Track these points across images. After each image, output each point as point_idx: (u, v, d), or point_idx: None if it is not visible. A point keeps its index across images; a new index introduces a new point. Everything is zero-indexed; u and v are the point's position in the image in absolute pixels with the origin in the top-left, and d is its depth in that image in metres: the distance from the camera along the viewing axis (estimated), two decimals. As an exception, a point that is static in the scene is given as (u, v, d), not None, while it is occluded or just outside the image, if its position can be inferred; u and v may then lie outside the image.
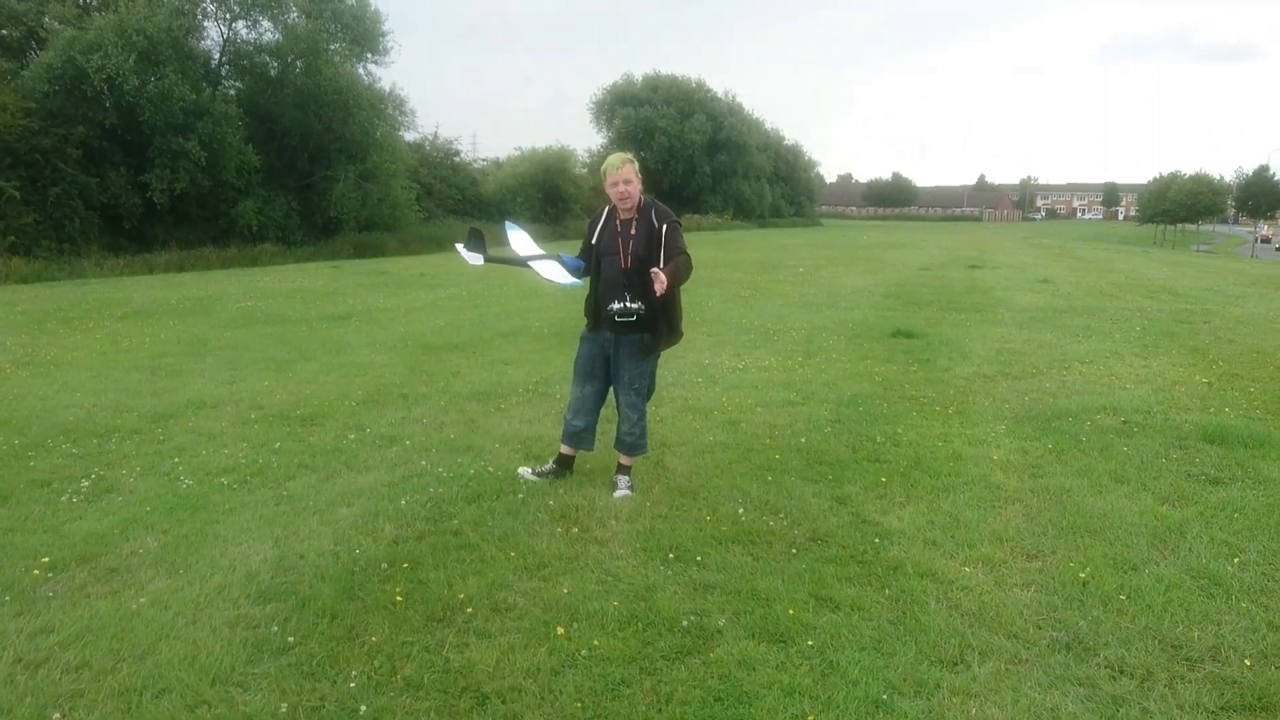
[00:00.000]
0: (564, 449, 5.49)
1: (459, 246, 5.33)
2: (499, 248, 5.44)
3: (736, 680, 3.23)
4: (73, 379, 8.64)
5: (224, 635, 3.54)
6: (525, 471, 5.48)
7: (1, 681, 3.20)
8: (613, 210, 5.17)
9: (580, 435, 5.40)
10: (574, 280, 5.17)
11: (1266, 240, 52.11)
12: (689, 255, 5.10)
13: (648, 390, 5.35)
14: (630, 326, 5.10)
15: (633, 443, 5.31)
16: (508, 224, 5.76)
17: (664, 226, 5.02)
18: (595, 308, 5.22)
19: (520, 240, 5.60)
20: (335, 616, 3.69)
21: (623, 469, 5.36)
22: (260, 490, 5.33)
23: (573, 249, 5.45)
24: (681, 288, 5.15)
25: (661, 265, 4.95)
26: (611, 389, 5.36)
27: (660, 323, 5.12)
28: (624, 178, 5.02)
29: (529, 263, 5.28)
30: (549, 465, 5.54)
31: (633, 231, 5.06)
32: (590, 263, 5.24)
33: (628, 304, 5.04)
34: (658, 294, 4.73)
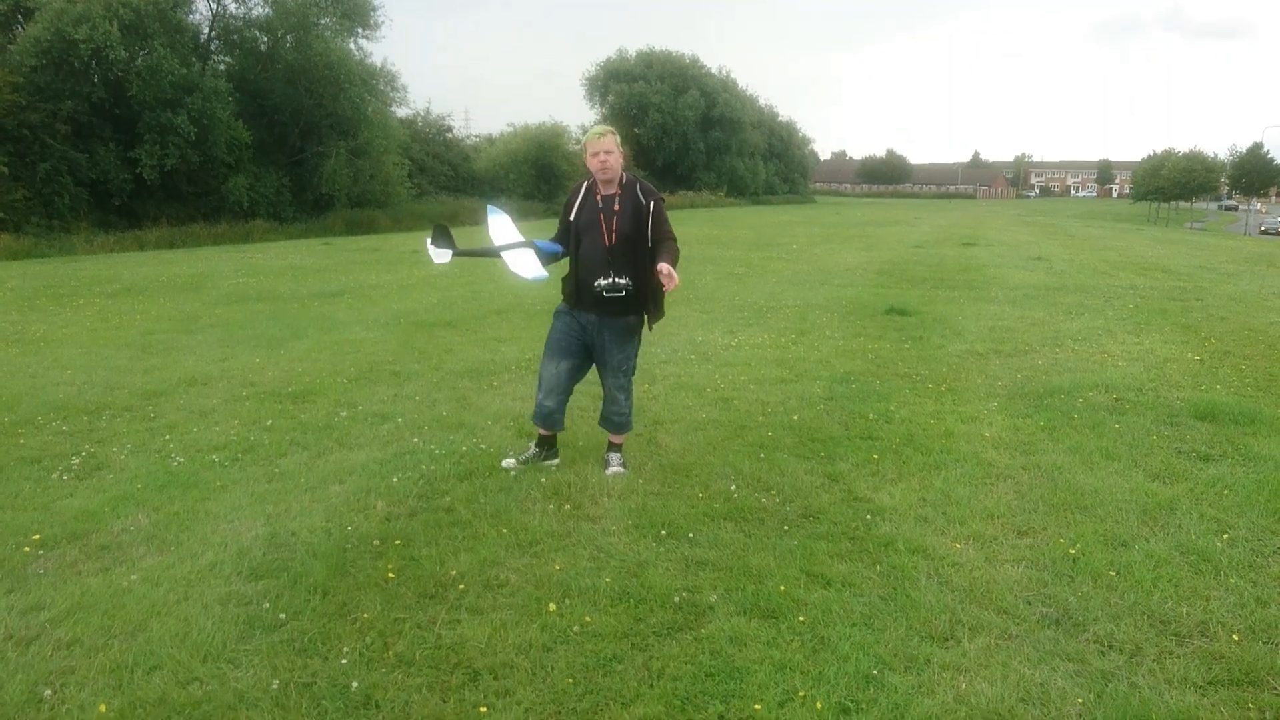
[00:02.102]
0: (541, 431, 5.34)
1: (429, 244, 5.07)
2: (460, 245, 5.14)
3: (728, 656, 3.24)
4: (63, 356, 8.60)
5: (215, 612, 3.54)
6: (509, 463, 5.26)
7: (-8, 658, 3.19)
8: (591, 186, 4.97)
9: (552, 416, 5.21)
10: (541, 274, 4.90)
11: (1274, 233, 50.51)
12: (675, 238, 4.99)
13: (632, 371, 5.27)
14: (617, 306, 4.94)
15: (621, 422, 5.25)
16: (490, 207, 5.51)
17: (652, 204, 4.88)
18: (576, 286, 5.03)
19: (500, 225, 5.28)
20: (327, 593, 3.69)
21: (614, 447, 5.31)
22: (252, 467, 5.31)
23: (555, 229, 5.26)
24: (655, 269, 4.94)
25: (650, 244, 4.88)
26: (595, 370, 5.25)
27: (649, 301, 5.01)
28: (605, 148, 4.84)
29: (500, 254, 5.04)
30: (530, 450, 5.37)
31: (616, 207, 4.88)
32: (569, 242, 5.05)
33: (616, 279, 4.88)
34: (666, 288, 4.65)
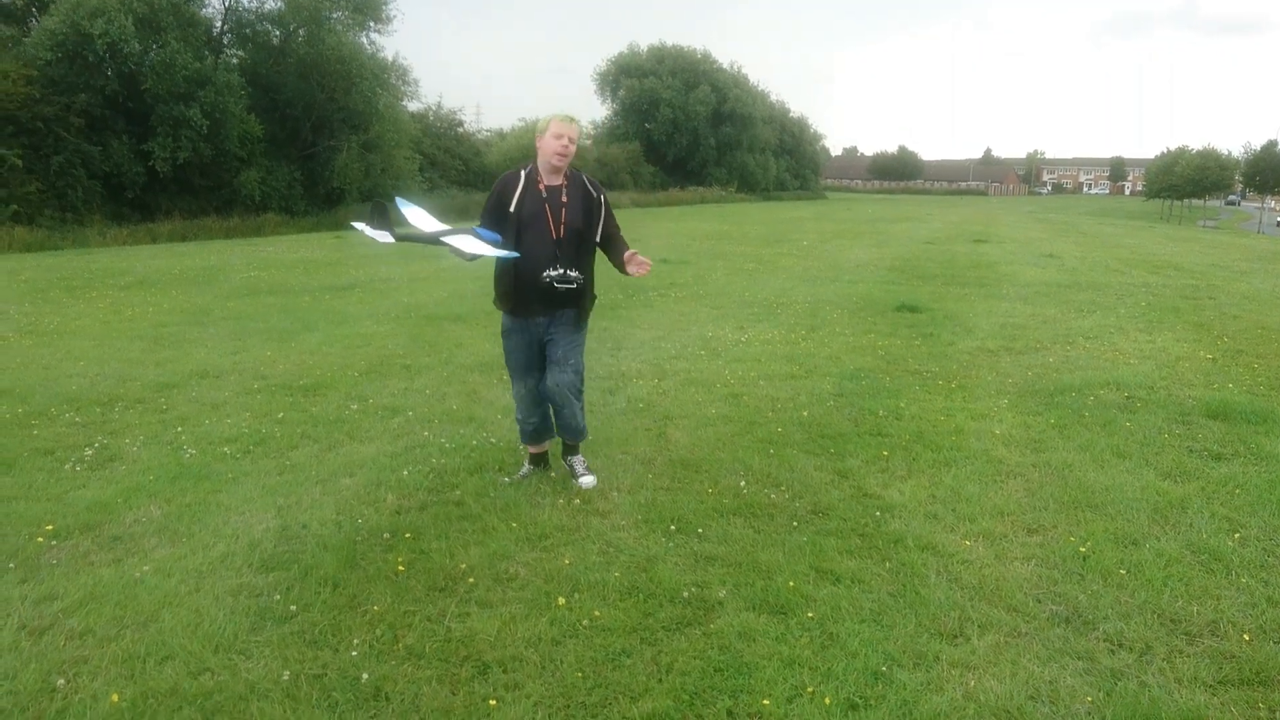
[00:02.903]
0: (532, 449, 5.09)
1: (360, 225, 4.39)
2: (403, 226, 4.54)
3: (737, 651, 3.25)
4: (76, 348, 8.65)
5: (227, 603, 3.56)
6: (504, 481, 4.94)
7: (6, 648, 3.22)
8: (531, 175, 4.63)
9: (540, 431, 4.99)
10: (509, 251, 4.47)
11: None
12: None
13: (582, 372, 4.89)
14: (565, 298, 4.64)
15: (576, 428, 4.92)
16: (399, 200, 4.86)
17: (603, 197, 4.73)
18: (516, 284, 4.63)
19: (418, 216, 4.75)
20: (337, 585, 3.71)
21: (569, 449, 5.04)
22: (263, 460, 5.34)
23: None
24: (626, 259, 4.65)
25: (600, 239, 4.74)
26: (545, 376, 4.84)
27: (587, 294, 4.80)
28: (571, 133, 4.57)
29: (442, 239, 4.46)
30: (525, 469, 5.06)
31: (564, 199, 4.59)
32: (507, 235, 4.57)
33: (566, 271, 4.58)
34: (640, 273, 4.56)
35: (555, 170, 4.60)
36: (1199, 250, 24.55)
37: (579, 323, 4.78)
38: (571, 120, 4.59)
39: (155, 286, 13.52)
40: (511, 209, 4.58)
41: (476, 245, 4.38)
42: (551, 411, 4.94)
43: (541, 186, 4.60)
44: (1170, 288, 14.26)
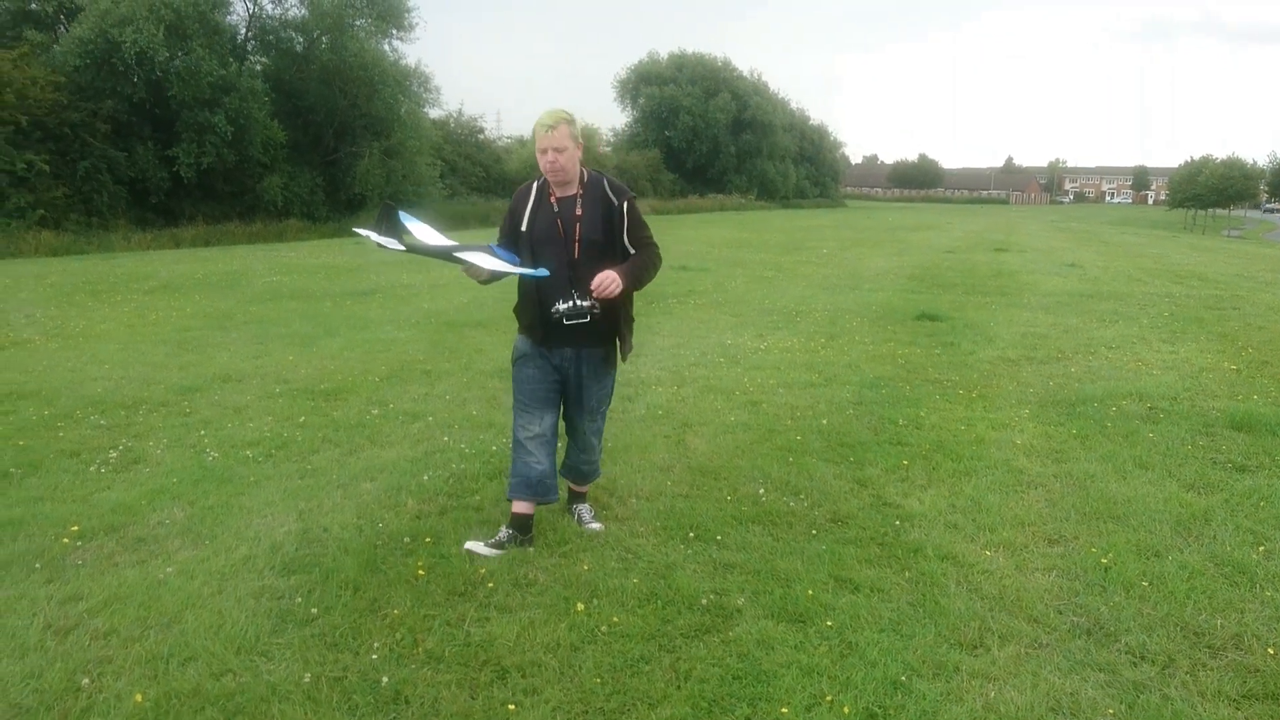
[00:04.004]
0: (519, 506, 4.16)
1: (365, 232, 3.86)
2: (410, 236, 4.04)
3: (755, 659, 3.24)
4: (101, 351, 8.74)
5: (249, 605, 3.59)
6: (476, 546, 4.10)
7: (33, 647, 3.26)
8: (543, 187, 4.03)
9: (546, 483, 4.16)
10: (531, 269, 3.92)
11: None
12: (657, 247, 4.13)
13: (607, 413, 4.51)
14: (586, 334, 4.05)
15: (591, 470, 4.51)
16: (403, 214, 4.12)
17: (624, 203, 4.01)
18: (540, 313, 4.04)
19: (421, 230, 4.16)
20: (358, 589, 3.73)
21: (577, 496, 4.59)
22: (285, 463, 5.38)
23: None
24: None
25: (627, 255, 4.04)
26: (567, 414, 4.33)
27: (623, 326, 4.14)
28: (554, 143, 3.84)
29: (455, 254, 3.90)
30: (502, 532, 4.18)
31: (578, 211, 3.97)
32: (523, 260, 4.04)
33: (577, 302, 3.95)
34: (601, 294, 3.83)
35: (564, 183, 3.98)
36: (1223, 260, 24.32)
37: (610, 363, 4.23)
38: (552, 126, 3.84)
39: (179, 291, 13.64)
40: (524, 228, 4.03)
41: (493, 262, 3.90)
42: (567, 453, 4.46)
43: (554, 199, 4.00)
44: (1194, 298, 14.14)
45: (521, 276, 4.02)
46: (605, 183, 4.04)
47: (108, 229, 23.89)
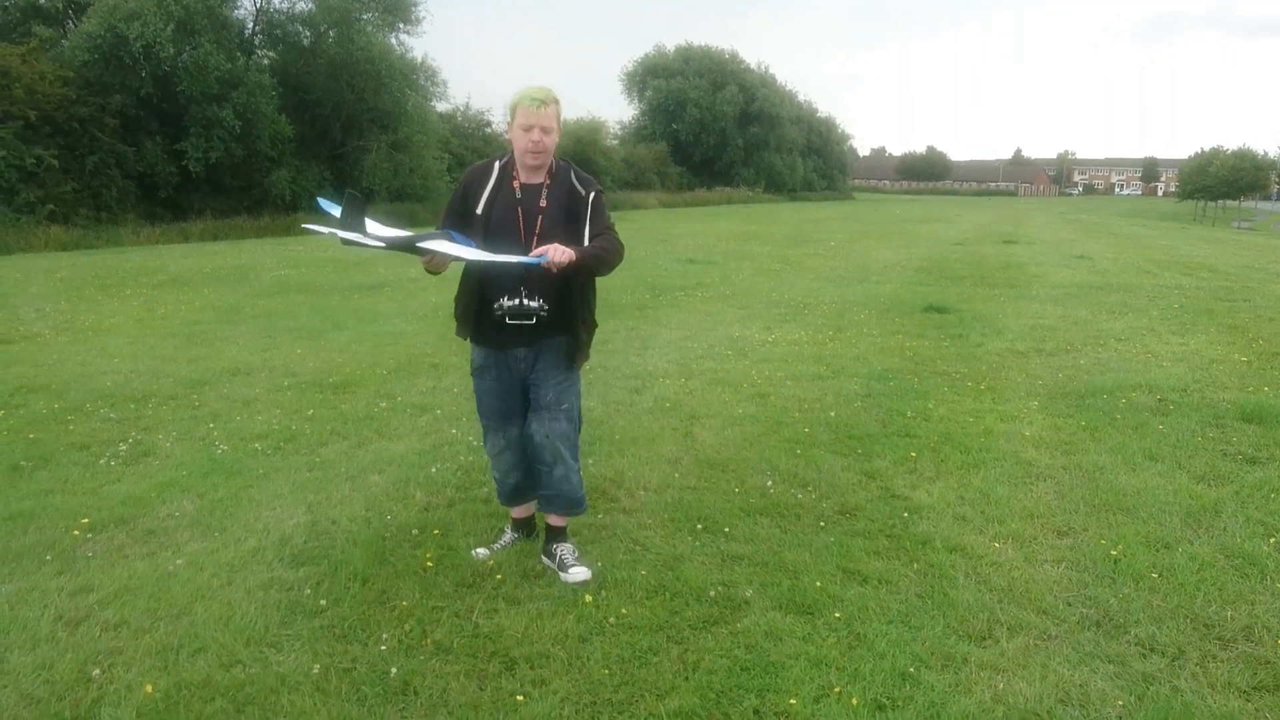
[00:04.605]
0: (516, 513, 4.14)
1: (329, 230, 3.40)
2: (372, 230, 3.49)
3: (763, 650, 3.24)
4: (110, 345, 8.77)
5: (258, 597, 3.60)
6: (481, 552, 3.98)
7: (44, 638, 3.28)
8: (506, 168, 3.65)
9: (523, 489, 3.98)
10: (525, 258, 3.35)
11: None
12: (618, 236, 3.66)
13: (578, 421, 3.91)
14: (539, 330, 3.64)
15: (571, 495, 3.84)
16: (323, 202, 3.88)
17: (592, 195, 3.61)
18: (477, 308, 3.65)
19: (374, 226, 3.56)
20: (367, 581, 3.74)
21: (556, 533, 3.92)
22: (293, 456, 5.39)
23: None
24: (616, 268, 3.63)
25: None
26: (527, 427, 3.82)
27: (579, 328, 3.69)
28: (543, 122, 3.48)
29: (419, 244, 3.36)
30: (506, 536, 4.12)
31: (542, 202, 3.57)
32: (475, 240, 3.55)
33: (524, 301, 3.55)
34: (550, 267, 3.32)
35: (536, 168, 3.61)
36: (1233, 252, 24.19)
37: (573, 358, 3.74)
38: (543, 103, 3.47)
39: (187, 285, 13.68)
40: (479, 210, 3.60)
41: (460, 249, 3.39)
42: (537, 483, 3.90)
43: (517, 184, 3.61)
44: (1204, 289, 14.07)
45: (467, 263, 3.53)
46: (573, 174, 3.66)
47: (116, 223, 23.96)
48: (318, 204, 3.44)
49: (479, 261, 3.45)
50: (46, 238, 20.92)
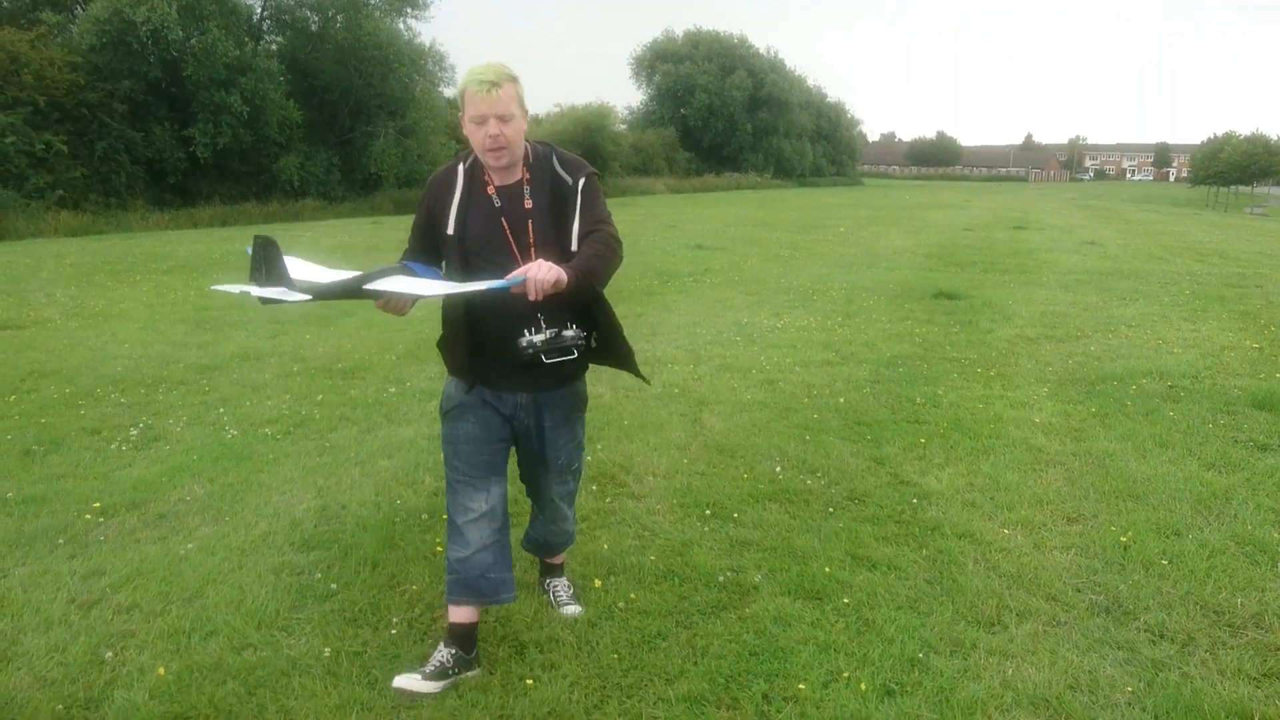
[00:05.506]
0: (459, 614, 3.02)
1: (241, 289, 2.69)
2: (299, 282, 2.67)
3: (772, 635, 3.25)
4: (120, 330, 8.80)
5: (269, 581, 3.62)
6: (409, 682, 2.92)
7: (57, 621, 3.31)
8: (474, 173, 2.87)
9: (493, 578, 2.99)
10: (490, 281, 2.59)
11: None
12: (616, 232, 2.86)
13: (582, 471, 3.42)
14: (547, 373, 2.90)
15: (565, 541, 3.49)
16: (256, 241, 2.64)
17: (582, 179, 2.84)
18: (476, 349, 2.92)
19: (304, 269, 2.84)
20: (377, 565, 3.76)
21: (551, 569, 3.60)
22: (303, 441, 5.41)
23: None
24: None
25: (574, 245, 2.81)
26: (525, 469, 3.24)
27: (615, 345, 2.97)
28: (498, 109, 2.69)
29: (366, 286, 2.64)
30: (440, 655, 3.00)
31: (527, 203, 2.82)
32: (454, 269, 2.85)
33: (559, 330, 2.82)
34: (531, 295, 2.54)
35: (505, 166, 2.81)
36: (1246, 238, 24.04)
37: (580, 406, 3.14)
38: (493, 85, 2.68)
39: (197, 270, 13.71)
40: (450, 230, 2.83)
41: (419, 285, 2.73)
42: (532, 525, 3.48)
43: (491, 189, 2.85)
44: (1215, 276, 13.99)
45: (449, 296, 2.82)
46: (555, 158, 2.90)
47: (126, 209, 24.03)
48: (277, 251, 2.57)
49: (451, 296, 2.77)
50: (56, 223, 20.99)
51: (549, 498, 3.23)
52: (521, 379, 2.93)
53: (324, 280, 2.73)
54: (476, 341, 2.90)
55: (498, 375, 2.94)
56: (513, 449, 3.12)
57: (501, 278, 2.58)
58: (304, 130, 29.79)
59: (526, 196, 2.83)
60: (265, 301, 2.57)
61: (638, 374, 3.07)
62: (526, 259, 2.72)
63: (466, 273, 2.79)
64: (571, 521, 3.43)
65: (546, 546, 3.49)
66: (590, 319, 2.89)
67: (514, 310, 2.75)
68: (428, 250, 2.95)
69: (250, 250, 2.59)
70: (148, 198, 25.53)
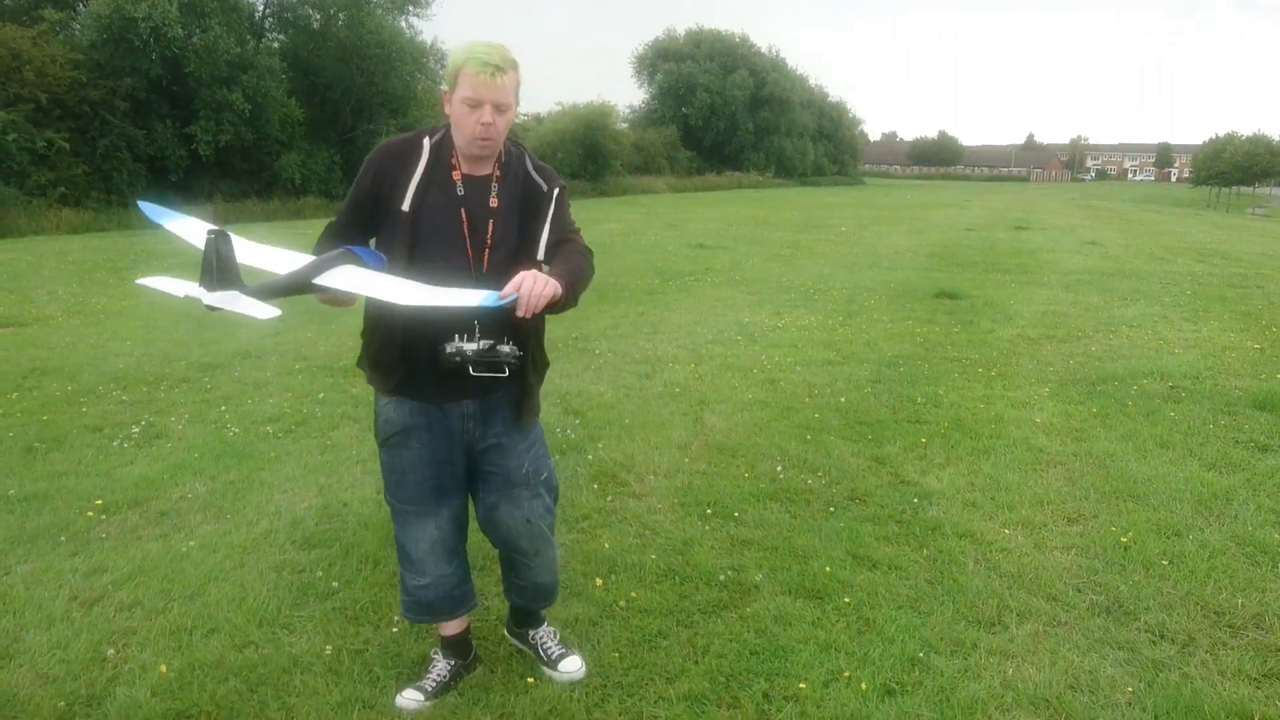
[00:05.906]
0: (446, 630, 2.98)
1: (185, 294, 2.58)
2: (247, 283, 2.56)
3: (772, 635, 3.25)
4: (122, 328, 8.81)
5: (270, 579, 3.63)
6: (410, 700, 2.85)
7: (59, 618, 3.31)
8: (442, 149, 2.61)
9: (456, 593, 2.90)
10: (484, 300, 2.32)
11: None
12: (586, 244, 2.71)
13: (557, 486, 3.00)
14: (489, 380, 2.57)
15: (549, 587, 3.04)
16: (145, 206, 2.89)
17: (556, 191, 2.67)
18: (405, 353, 2.61)
19: (257, 253, 2.76)
20: (378, 563, 3.76)
21: (533, 619, 3.12)
22: (305, 439, 5.42)
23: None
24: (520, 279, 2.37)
25: (541, 256, 2.61)
26: (485, 504, 2.83)
27: (530, 372, 2.71)
28: (498, 97, 2.47)
29: (316, 281, 2.56)
30: (437, 666, 2.95)
31: (493, 202, 2.60)
32: (392, 254, 2.55)
33: (493, 342, 2.48)
34: (521, 313, 2.33)
35: (485, 154, 2.59)
36: (1247, 238, 24.03)
37: (534, 403, 2.81)
38: (499, 70, 2.45)
39: (198, 268, 13.67)
40: (405, 206, 2.55)
41: (374, 283, 2.44)
42: (505, 566, 3.03)
43: (458, 176, 2.60)
44: (1217, 276, 13.99)
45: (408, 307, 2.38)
46: (529, 162, 2.71)
47: (127, 206, 23.99)
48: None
49: (407, 305, 2.36)
50: (58, 220, 20.99)
51: (525, 519, 2.80)
52: (464, 384, 2.58)
53: (274, 272, 2.59)
54: (407, 345, 2.59)
55: (434, 384, 2.62)
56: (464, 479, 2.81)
57: (449, 274, 2.43)
58: (306, 128, 29.79)
59: (494, 194, 2.60)
60: (211, 309, 2.42)
61: (530, 410, 2.77)
62: (477, 259, 2.56)
63: (409, 259, 2.52)
64: (555, 560, 2.99)
65: (533, 592, 3.02)
66: (524, 335, 2.60)
67: (451, 314, 2.46)
68: (361, 225, 2.64)
69: (203, 247, 2.41)
70: (149, 195, 25.20)
